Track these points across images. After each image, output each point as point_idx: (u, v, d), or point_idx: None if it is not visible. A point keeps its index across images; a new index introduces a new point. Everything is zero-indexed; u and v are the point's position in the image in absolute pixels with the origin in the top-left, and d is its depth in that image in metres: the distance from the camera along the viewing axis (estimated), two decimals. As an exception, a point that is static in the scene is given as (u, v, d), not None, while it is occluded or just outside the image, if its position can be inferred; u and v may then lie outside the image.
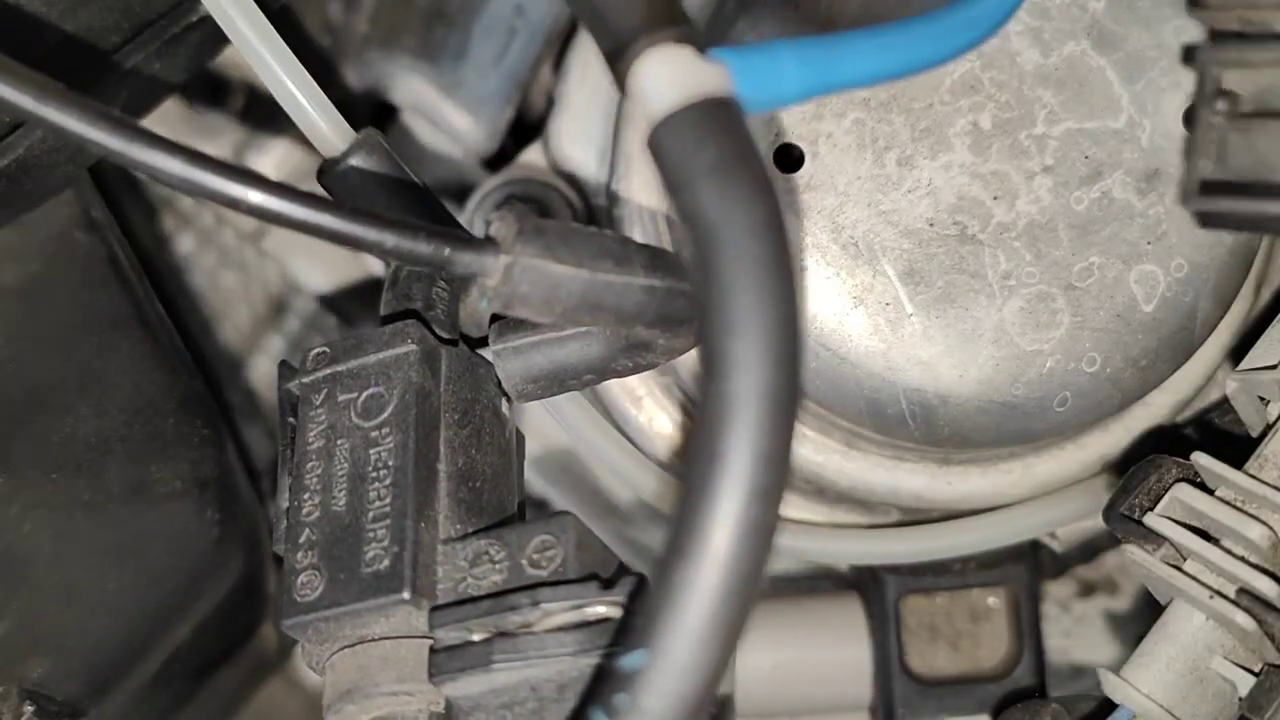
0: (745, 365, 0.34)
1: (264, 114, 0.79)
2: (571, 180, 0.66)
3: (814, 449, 0.63)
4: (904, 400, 0.56)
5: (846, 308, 0.55)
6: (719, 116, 0.36)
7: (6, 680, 0.53)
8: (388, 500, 0.46)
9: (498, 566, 0.46)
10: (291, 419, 0.51)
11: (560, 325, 0.48)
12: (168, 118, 0.77)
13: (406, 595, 0.45)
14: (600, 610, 0.44)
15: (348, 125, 0.53)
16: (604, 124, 0.67)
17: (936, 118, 0.55)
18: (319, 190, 0.76)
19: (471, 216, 0.68)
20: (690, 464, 0.34)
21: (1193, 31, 0.55)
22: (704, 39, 0.38)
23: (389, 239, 0.42)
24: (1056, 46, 0.55)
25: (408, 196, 0.53)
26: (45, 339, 0.55)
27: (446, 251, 0.42)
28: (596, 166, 0.67)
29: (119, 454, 0.57)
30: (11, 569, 0.53)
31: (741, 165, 0.35)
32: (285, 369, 0.51)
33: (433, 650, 0.45)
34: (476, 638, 0.45)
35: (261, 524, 0.65)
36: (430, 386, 0.49)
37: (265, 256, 0.83)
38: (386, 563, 0.45)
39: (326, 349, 0.50)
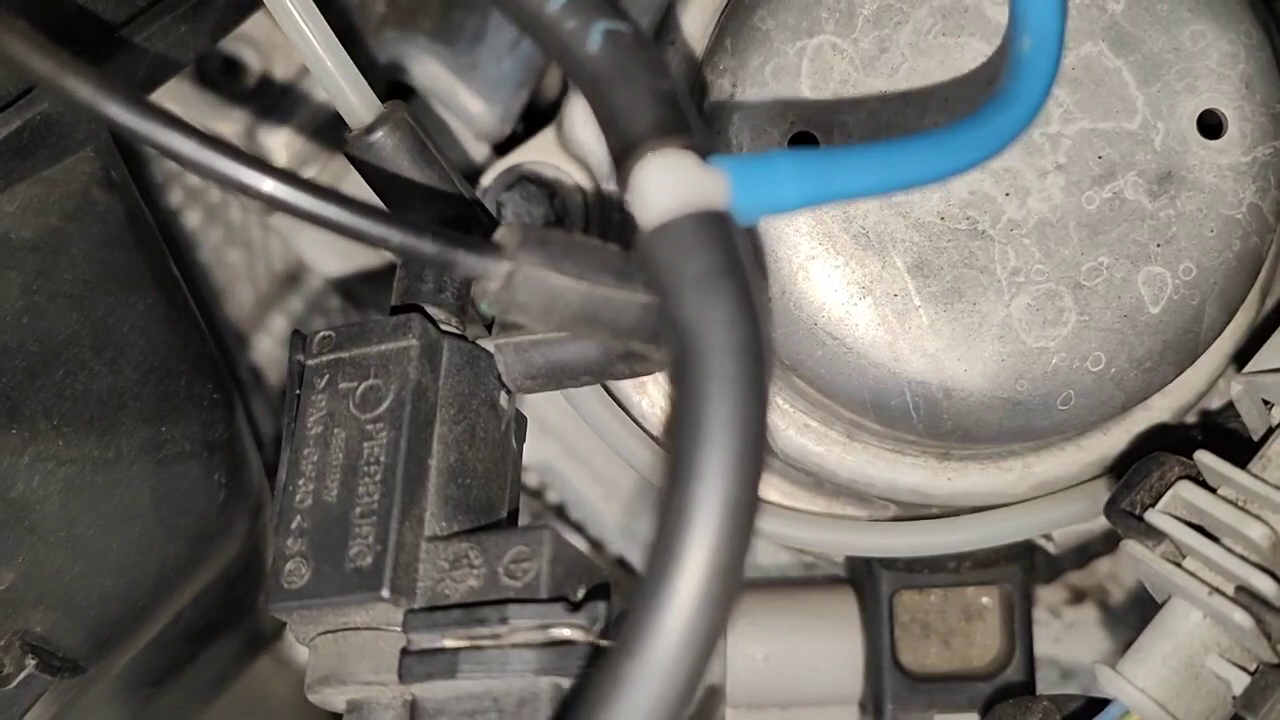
0: (710, 478, 0.35)
1: (275, 94, 0.79)
2: (583, 165, 0.66)
3: (815, 439, 0.63)
4: (908, 392, 0.56)
5: (854, 297, 0.56)
6: (710, 229, 0.37)
7: (10, 632, 0.53)
8: (376, 497, 0.48)
9: (475, 572, 0.47)
10: (298, 390, 0.52)
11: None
12: (179, 94, 0.77)
13: (385, 594, 0.47)
14: (564, 633, 0.45)
15: (376, 98, 0.54)
16: (618, 110, 0.67)
17: (952, 112, 0.56)
18: (330, 175, 0.78)
19: (482, 198, 0.68)
20: (648, 565, 0.35)
21: (1210, 36, 0.56)
22: (707, 146, 0.38)
23: (394, 235, 0.43)
24: (1074, 46, 0.56)
25: (430, 174, 0.54)
26: (61, 294, 0.55)
27: (450, 253, 0.43)
28: (608, 151, 0.67)
29: (131, 412, 0.57)
30: (19, 521, 0.53)
31: (726, 280, 0.36)
32: (296, 339, 0.52)
33: (404, 652, 0.47)
34: (447, 644, 0.46)
35: (266, 493, 0.65)
36: (428, 382, 0.50)
37: (271, 234, 0.83)
38: (369, 560, 0.47)
39: (332, 333, 0.52)
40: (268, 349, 0.84)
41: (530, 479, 0.83)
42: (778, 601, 0.71)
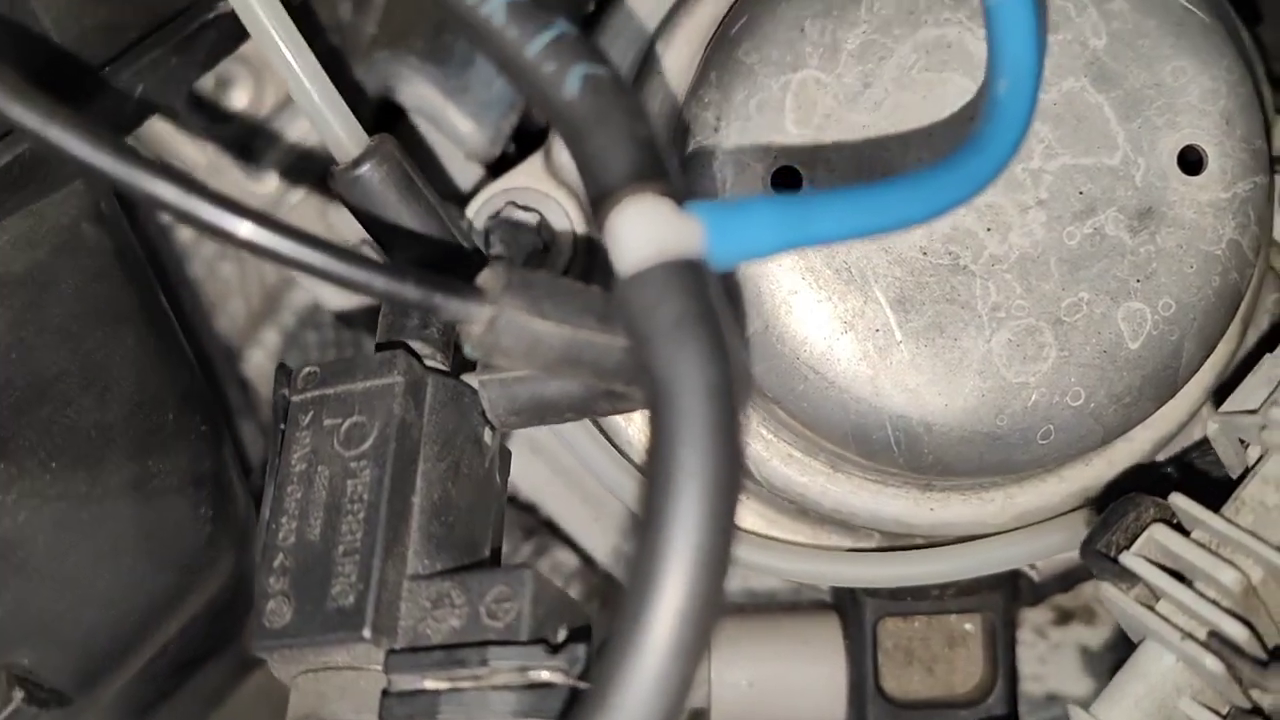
0: (682, 525, 0.35)
1: (266, 111, 0.79)
2: (571, 192, 0.66)
3: (799, 470, 0.63)
4: (889, 426, 0.56)
5: (836, 332, 0.56)
6: (683, 278, 0.37)
7: (-2, 665, 0.54)
8: (358, 535, 0.48)
9: (457, 611, 0.47)
10: (283, 425, 0.52)
11: (542, 370, 0.49)
12: (159, 123, 0.77)
13: (367, 634, 0.46)
14: (544, 675, 0.45)
15: (362, 130, 0.54)
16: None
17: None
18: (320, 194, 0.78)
19: (470, 225, 0.69)
20: (621, 610, 0.35)
21: (1191, 72, 0.56)
22: (683, 192, 0.39)
23: (377, 281, 0.43)
24: (1056, 82, 0.56)
25: (416, 208, 0.54)
26: (50, 329, 0.55)
27: (433, 298, 0.43)
28: (586, 196, 0.67)
29: (119, 447, 0.57)
30: (6, 556, 0.53)
31: (697, 328, 0.36)
32: (281, 374, 0.52)
33: (385, 693, 0.47)
34: (428, 686, 0.46)
35: (252, 523, 0.65)
36: (412, 419, 0.50)
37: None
38: (351, 599, 0.47)
39: (316, 370, 0.52)
40: (260, 363, 0.84)
41: (521, 497, 0.83)
42: (762, 627, 0.72)
